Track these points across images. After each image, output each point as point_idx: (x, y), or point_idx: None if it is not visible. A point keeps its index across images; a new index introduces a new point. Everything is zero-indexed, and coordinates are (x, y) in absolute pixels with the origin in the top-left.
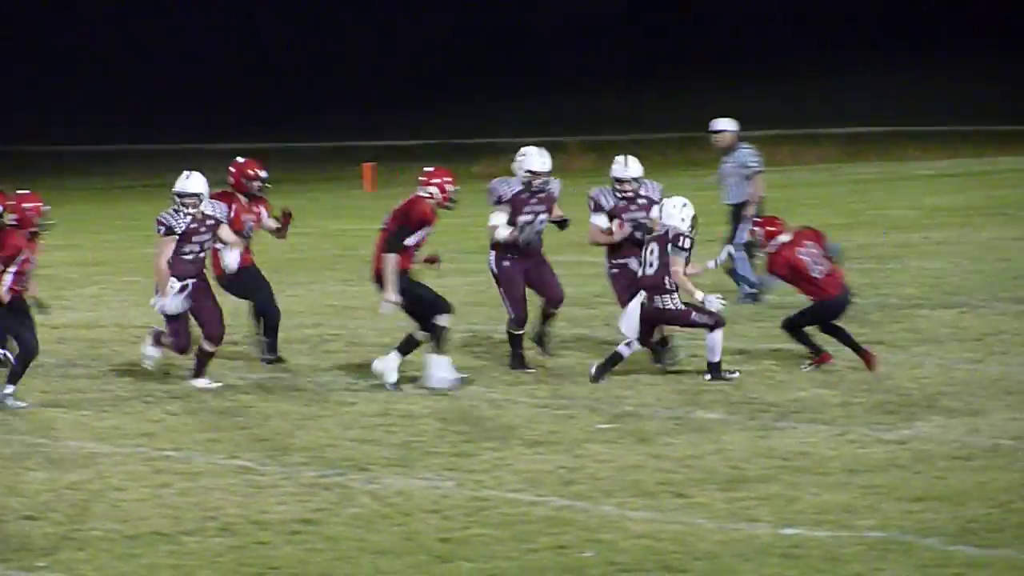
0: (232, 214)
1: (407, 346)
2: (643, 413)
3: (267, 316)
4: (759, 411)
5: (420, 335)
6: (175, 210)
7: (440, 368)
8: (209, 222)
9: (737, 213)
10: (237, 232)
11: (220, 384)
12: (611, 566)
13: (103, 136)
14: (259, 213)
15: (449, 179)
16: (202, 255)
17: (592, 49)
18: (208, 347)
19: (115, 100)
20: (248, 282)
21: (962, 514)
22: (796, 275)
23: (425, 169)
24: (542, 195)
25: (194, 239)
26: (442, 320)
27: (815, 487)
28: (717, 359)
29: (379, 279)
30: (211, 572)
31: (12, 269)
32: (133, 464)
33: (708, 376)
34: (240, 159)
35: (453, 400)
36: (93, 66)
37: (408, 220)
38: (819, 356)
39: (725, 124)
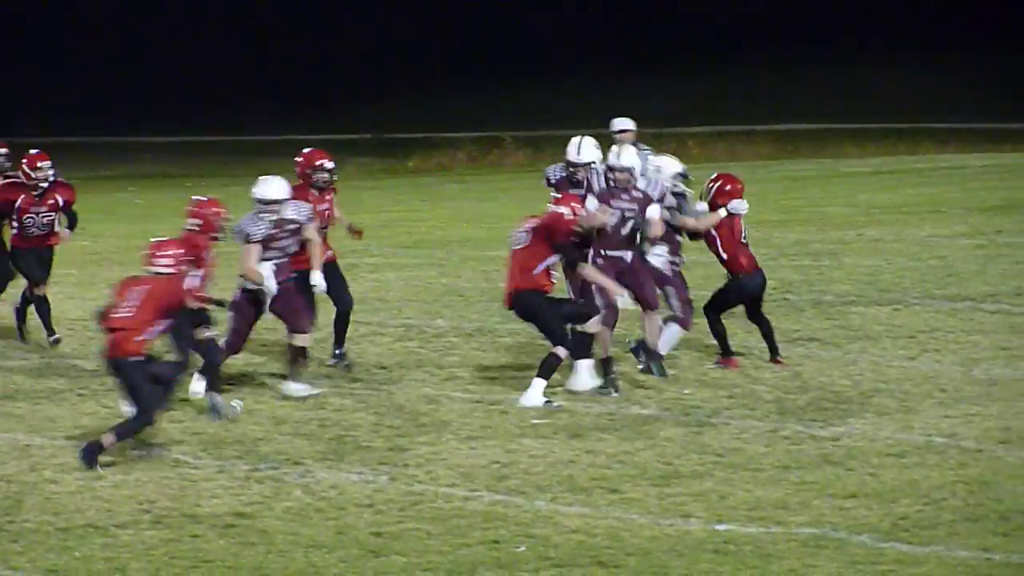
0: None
1: (548, 370)
2: (577, 409)
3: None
4: (692, 407)
5: (563, 352)
6: (253, 216)
7: (583, 372)
8: (291, 226)
9: None
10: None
11: (319, 391)
12: (544, 561)
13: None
14: (330, 203)
15: (579, 203)
16: (286, 259)
17: (528, 45)
18: (299, 342)
19: (25, 90)
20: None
21: (894, 511)
22: (730, 232)
23: (554, 195)
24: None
25: (274, 245)
26: (590, 327)
27: (748, 483)
28: (663, 352)
29: (518, 303)
30: (144, 565)
31: (198, 273)
32: (67, 457)
33: (641, 361)
34: (306, 150)
35: (387, 395)
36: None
37: (560, 235)
38: (727, 359)
39: (626, 123)
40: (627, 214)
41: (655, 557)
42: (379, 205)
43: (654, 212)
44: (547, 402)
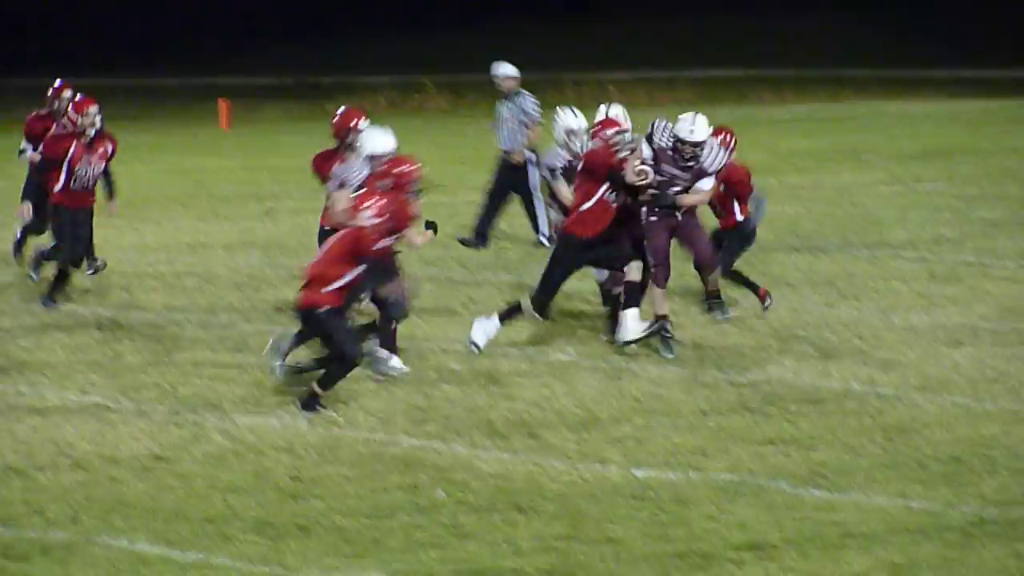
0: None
1: (510, 315)
2: (495, 353)
3: None
4: (611, 353)
5: (526, 305)
6: (359, 167)
7: (629, 320)
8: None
9: (506, 160)
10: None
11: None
12: (462, 506)
13: None
14: None
15: (613, 125)
16: None
17: None
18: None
19: None
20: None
21: (812, 457)
22: (742, 187)
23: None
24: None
25: None
26: (632, 272)
27: (666, 429)
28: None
29: (555, 241)
30: (63, 507)
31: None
32: None
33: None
34: (341, 109)
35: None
36: None
37: (600, 165)
38: (759, 291)
39: (510, 69)
40: (676, 181)
41: (572, 502)
42: (299, 149)
43: (706, 184)
44: (474, 344)
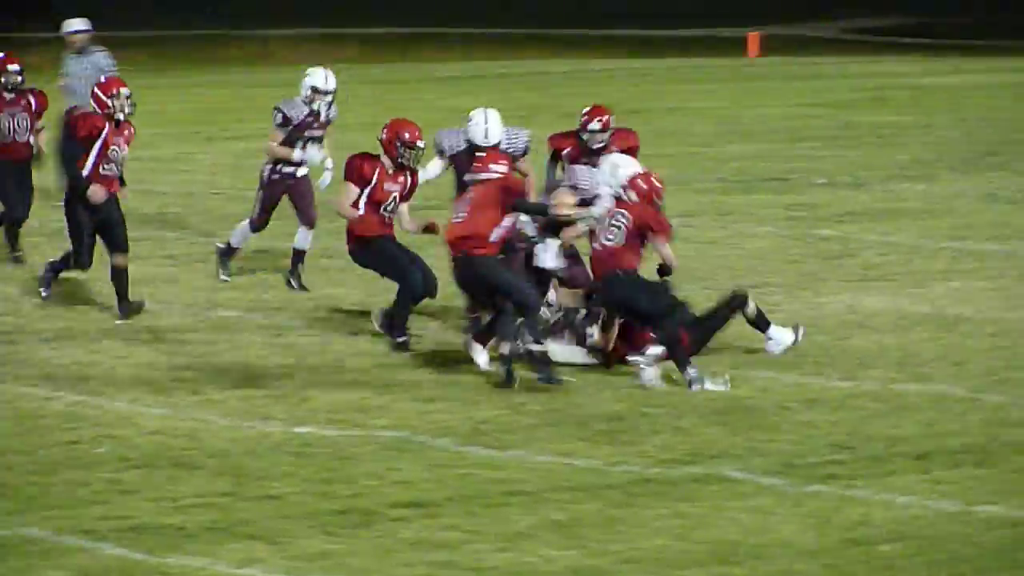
0: (375, 180)
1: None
2: (159, 310)
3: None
4: (275, 310)
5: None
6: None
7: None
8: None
9: None
10: (379, 202)
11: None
12: (123, 462)
13: None
14: (404, 184)
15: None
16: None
17: None
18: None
19: None
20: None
21: (474, 415)
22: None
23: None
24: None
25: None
26: None
27: (329, 386)
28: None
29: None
30: None
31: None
32: None
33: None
34: (391, 120)
35: None
36: None
37: None
38: None
39: (81, 24)
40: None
41: (234, 459)
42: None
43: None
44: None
